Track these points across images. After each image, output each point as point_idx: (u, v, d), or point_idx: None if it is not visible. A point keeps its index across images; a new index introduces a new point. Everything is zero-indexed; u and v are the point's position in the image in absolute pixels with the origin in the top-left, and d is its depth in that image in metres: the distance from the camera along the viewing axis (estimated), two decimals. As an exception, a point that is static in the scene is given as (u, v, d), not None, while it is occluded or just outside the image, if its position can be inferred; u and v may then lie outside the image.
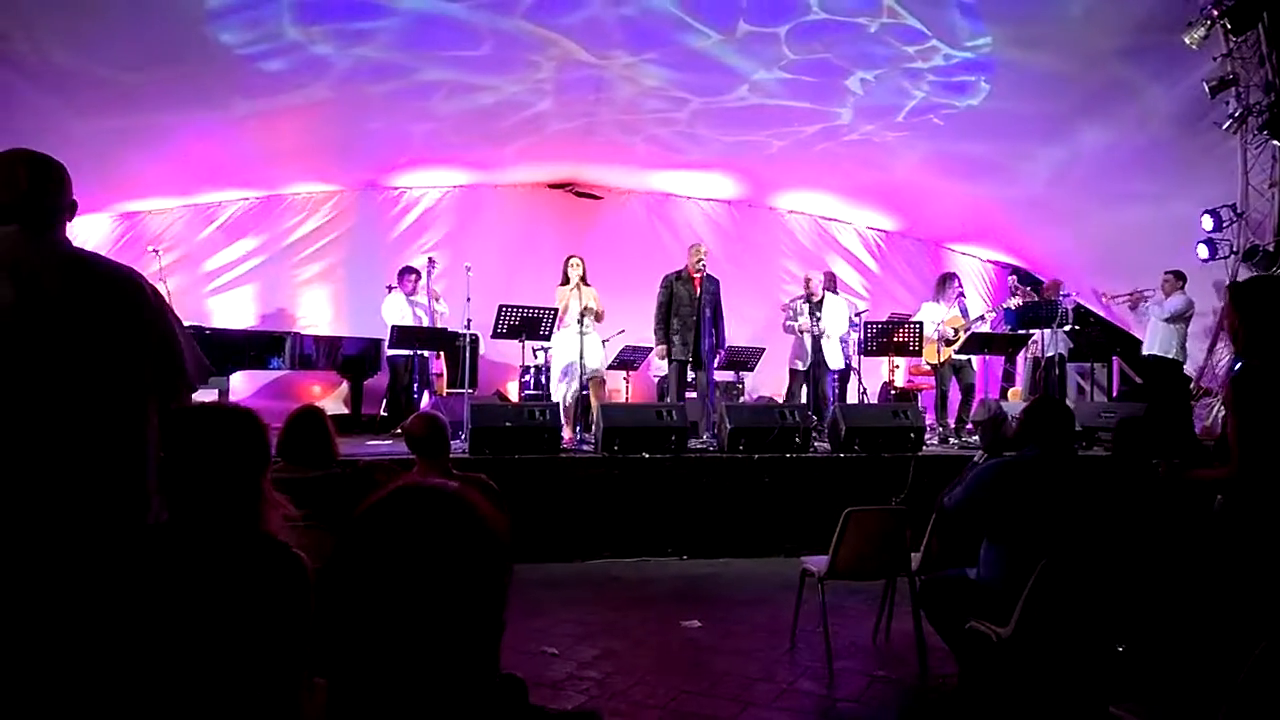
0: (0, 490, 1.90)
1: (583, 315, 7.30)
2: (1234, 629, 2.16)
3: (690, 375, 7.68)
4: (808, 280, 8.36)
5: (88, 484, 1.95)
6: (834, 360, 8.21)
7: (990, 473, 3.04)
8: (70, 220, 2.20)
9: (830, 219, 11.49)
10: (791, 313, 8.44)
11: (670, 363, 7.69)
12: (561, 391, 7.63)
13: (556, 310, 7.35)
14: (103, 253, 8.51)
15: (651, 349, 8.83)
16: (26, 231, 2.07)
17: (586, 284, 7.62)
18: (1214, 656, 2.12)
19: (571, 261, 7.64)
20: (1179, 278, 7.93)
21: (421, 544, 1.03)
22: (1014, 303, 8.76)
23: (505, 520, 1.11)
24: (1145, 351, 8.26)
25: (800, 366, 8.35)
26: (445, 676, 1.02)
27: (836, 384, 8.56)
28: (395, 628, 1.00)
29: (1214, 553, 2.46)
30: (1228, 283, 6.98)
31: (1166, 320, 7.90)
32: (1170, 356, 7.92)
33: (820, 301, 8.20)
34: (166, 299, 2.29)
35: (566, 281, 7.62)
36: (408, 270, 8.55)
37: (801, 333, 8.27)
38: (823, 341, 8.10)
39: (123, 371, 2.07)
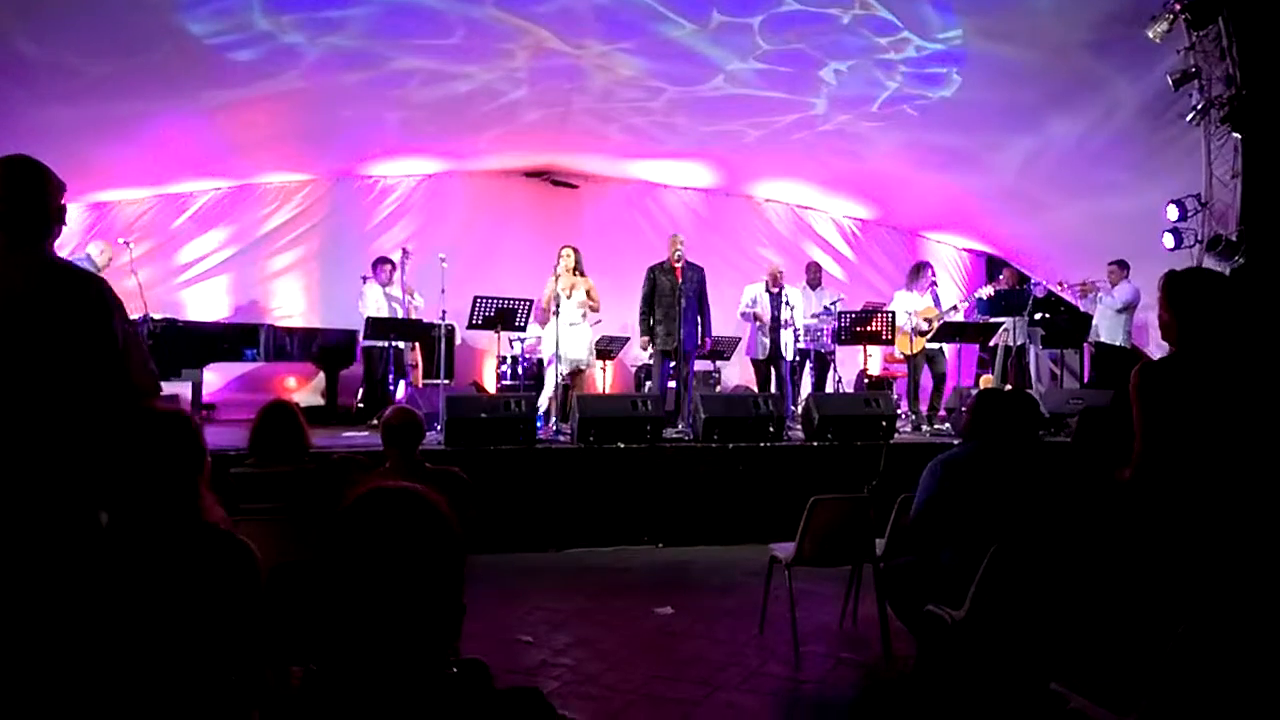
0: None
1: (560, 307, 7.33)
2: (1153, 610, 2.26)
3: (671, 364, 7.77)
4: (776, 273, 8.51)
5: (47, 485, 1.98)
6: (789, 349, 8.40)
7: (934, 472, 3.13)
8: (59, 226, 2.19)
9: (807, 208, 11.56)
10: (753, 301, 8.54)
11: (654, 352, 7.77)
12: (549, 381, 7.66)
13: (531, 301, 7.36)
14: (74, 243, 8.47)
15: (629, 338, 8.92)
16: (9, 242, 2.09)
17: (582, 274, 7.62)
18: (1141, 636, 2.22)
19: (562, 252, 7.61)
20: (1123, 267, 8.19)
21: (390, 541, 1.13)
22: (986, 291, 8.90)
23: (461, 517, 1.20)
24: (1093, 339, 8.50)
25: (760, 356, 8.49)
26: (412, 658, 1.12)
27: (796, 372, 8.75)
28: (369, 615, 1.10)
29: (1126, 539, 2.57)
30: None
31: (1118, 310, 8.14)
32: (1118, 344, 8.15)
33: (780, 292, 8.33)
34: (124, 305, 2.31)
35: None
36: (382, 261, 8.54)
37: (757, 319, 8.40)
38: (781, 331, 8.22)
39: (78, 378, 2.09)
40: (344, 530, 1.15)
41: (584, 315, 7.62)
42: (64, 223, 2.23)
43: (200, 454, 1.87)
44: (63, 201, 2.23)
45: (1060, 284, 9.09)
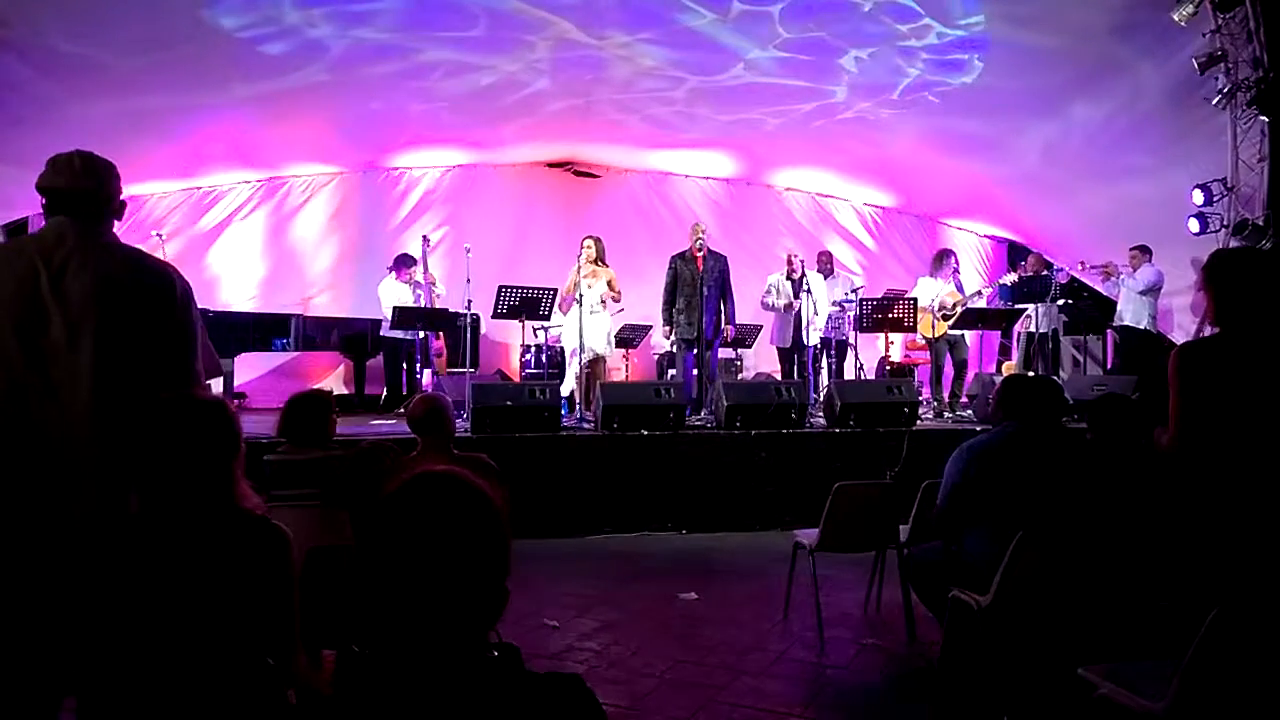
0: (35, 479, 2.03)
1: (582, 297, 7.40)
2: (1183, 595, 2.27)
3: (693, 353, 7.82)
4: (790, 258, 8.49)
5: (111, 469, 2.07)
6: (812, 336, 8.38)
7: (960, 459, 3.15)
8: (118, 218, 2.34)
9: (827, 196, 11.53)
10: (773, 290, 8.55)
11: (676, 341, 7.82)
12: (571, 371, 7.77)
13: (555, 290, 7.44)
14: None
15: (651, 327, 8.97)
16: (75, 222, 2.22)
17: (604, 264, 7.70)
18: (1170, 621, 2.24)
19: (584, 243, 7.73)
20: (1144, 251, 8.16)
21: (438, 525, 1.13)
22: (1010, 278, 8.87)
23: (504, 500, 1.23)
24: (1118, 323, 8.47)
25: (784, 344, 8.51)
26: (455, 641, 1.13)
27: (819, 359, 8.74)
28: (415, 599, 1.11)
29: (1161, 521, 2.56)
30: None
31: (1141, 293, 8.11)
32: (1142, 328, 8.12)
33: (802, 278, 8.34)
34: (193, 297, 2.43)
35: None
36: (405, 259, 8.61)
37: (785, 309, 8.39)
38: (804, 318, 8.24)
39: (144, 359, 2.19)
40: (390, 514, 1.14)
41: (604, 305, 7.69)
42: (120, 213, 2.36)
43: (236, 441, 1.90)
44: (123, 197, 2.36)
45: (1081, 264, 9.05)
